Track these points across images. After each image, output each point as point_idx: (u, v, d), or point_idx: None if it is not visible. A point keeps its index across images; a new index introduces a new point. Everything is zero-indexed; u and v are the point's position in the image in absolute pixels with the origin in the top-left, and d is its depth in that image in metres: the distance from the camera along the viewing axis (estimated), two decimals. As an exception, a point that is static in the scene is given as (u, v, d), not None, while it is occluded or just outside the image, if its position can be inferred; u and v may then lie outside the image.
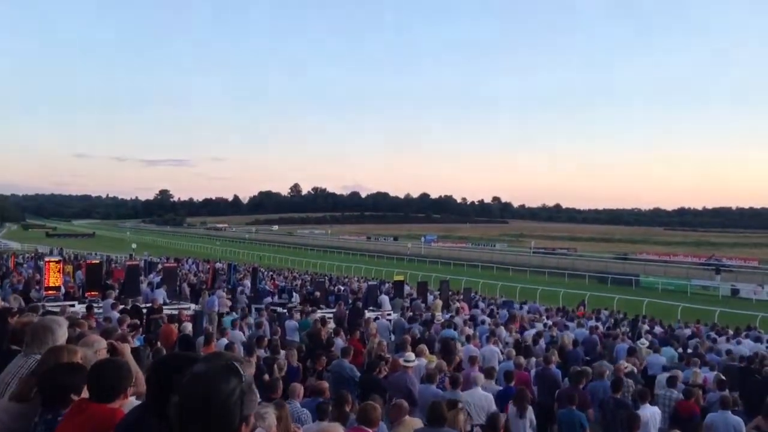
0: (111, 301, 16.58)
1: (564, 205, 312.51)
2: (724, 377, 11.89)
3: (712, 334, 21.69)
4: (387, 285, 33.31)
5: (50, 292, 19.38)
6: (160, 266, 33.55)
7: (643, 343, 16.22)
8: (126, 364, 3.46)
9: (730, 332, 23.22)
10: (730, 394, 10.15)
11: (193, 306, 21.16)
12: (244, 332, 14.72)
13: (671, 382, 10.74)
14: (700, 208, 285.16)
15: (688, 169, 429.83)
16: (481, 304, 27.68)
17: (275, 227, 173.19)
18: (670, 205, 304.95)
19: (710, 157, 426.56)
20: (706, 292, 50.62)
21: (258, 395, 1.95)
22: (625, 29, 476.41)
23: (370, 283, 31.64)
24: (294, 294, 27.34)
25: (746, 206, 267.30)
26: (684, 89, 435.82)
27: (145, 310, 16.70)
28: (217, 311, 19.09)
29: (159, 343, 11.74)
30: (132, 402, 3.31)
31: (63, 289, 21.12)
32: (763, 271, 63.27)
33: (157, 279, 26.16)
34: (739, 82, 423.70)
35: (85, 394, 3.30)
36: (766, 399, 9.69)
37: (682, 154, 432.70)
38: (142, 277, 25.58)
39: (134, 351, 7.24)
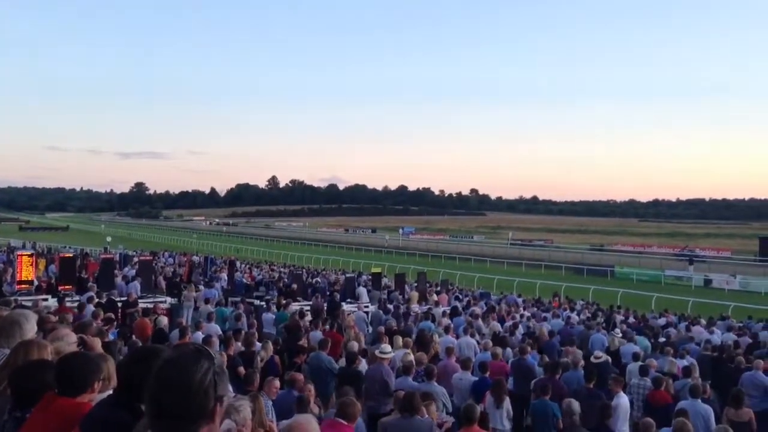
0: (90, 294, 16.43)
1: (541, 197, 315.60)
2: (690, 365, 12.06)
3: (687, 324, 22.03)
4: (365, 277, 33.31)
5: (23, 286, 19.13)
6: (135, 259, 33.20)
7: (617, 333, 16.41)
8: (94, 358, 3.42)
9: (703, 322, 23.57)
10: (701, 383, 10.31)
11: (168, 299, 20.99)
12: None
13: (643, 371, 10.88)
14: (674, 199, 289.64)
15: (662, 161, 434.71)
16: (459, 296, 27.81)
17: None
18: (644, 197, 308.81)
19: (683, 149, 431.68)
20: (679, 283, 51.26)
21: (228, 376, 1.98)
22: (608, 27, 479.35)
23: (347, 275, 31.61)
24: (271, 287, 27.24)
25: (719, 198, 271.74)
26: (659, 84, 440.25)
27: (120, 304, 16.53)
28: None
29: (134, 337, 11.65)
30: (102, 395, 3.27)
31: (36, 282, 20.87)
32: (736, 262, 64.25)
33: (132, 272, 25.90)
34: (718, 77, 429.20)
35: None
36: (733, 389, 9.86)
37: (656, 147, 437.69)
38: (117, 271, 25.30)
39: (106, 345, 7.19)
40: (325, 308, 19.10)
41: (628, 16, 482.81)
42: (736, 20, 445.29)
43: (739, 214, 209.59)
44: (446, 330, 14.69)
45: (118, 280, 22.76)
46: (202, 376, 1.81)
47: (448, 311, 20.53)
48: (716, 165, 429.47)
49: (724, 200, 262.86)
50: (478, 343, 13.93)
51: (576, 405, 8.07)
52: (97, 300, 15.85)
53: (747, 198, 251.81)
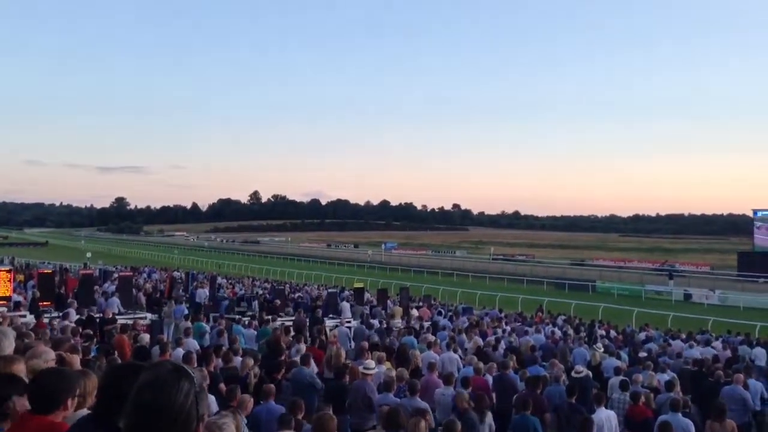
0: (70, 310, 16.30)
1: (523, 213, 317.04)
2: (671, 379, 12.15)
3: (668, 338, 22.23)
4: (347, 292, 33.26)
5: (0, 302, 18.89)
6: (115, 275, 32.92)
7: (598, 347, 16.50)
8: (68, 374, 3.37)
9: (683, 336, 23.82)
10: (681, 397, 10.38)
11: (149, 315, 20.82)
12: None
13: (624, 385, 10.94)
14: (653, 214, 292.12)
15: (642, 176, 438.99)
16: (442, 311, 27.83)
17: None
18: (624, 212, 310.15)
19: (663, 165, 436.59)
20: (659, 297, 51.64)
21: (207, 393, 1.96)
22: (582, 40, 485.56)
23: (329, 290, 31.54)
24: (253, 302, 27.12)
25: (698, 213, 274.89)
26: (638, 101, 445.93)
27: (98, 320, 16.37)
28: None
29: (116, 353, 11.51)
30: (80, 414, 3.23)
31: (15, 298, 20.64)
32: (715, 276, 64.91)
33: (112, 288, 25.67)
34: (696, 94, 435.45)
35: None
36: (715, 402, 9.95)
37: (636, 163, 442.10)
38: (96, 287, 25.07)
39: (86, 362, 7.11)
40: (308, 323, 19.05)
41: (608, 33, 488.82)
42: (722, 37, 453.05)
43: (717, 229, 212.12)
44: (429, 345, 14.68)
45: (98, 296, 22.56)
46: (183, 399, 1.76)
47: (431, 326, 20.54)
48: (695, 180, 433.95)
49: (703, 215, 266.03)
50: (461, 358, 13.93)
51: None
52: (77, 316, 15.70)
53: (725, 213, 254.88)
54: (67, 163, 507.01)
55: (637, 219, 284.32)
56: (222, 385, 9.30)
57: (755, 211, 68.66)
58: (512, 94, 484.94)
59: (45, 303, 19.03)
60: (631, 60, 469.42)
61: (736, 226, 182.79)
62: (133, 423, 1.76)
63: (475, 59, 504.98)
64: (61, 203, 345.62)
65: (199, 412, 1.82)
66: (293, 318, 20.57)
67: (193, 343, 13.21)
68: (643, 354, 17.55)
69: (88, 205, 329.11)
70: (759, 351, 19.06)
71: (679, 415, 9.09)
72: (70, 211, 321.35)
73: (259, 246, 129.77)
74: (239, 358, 11.43)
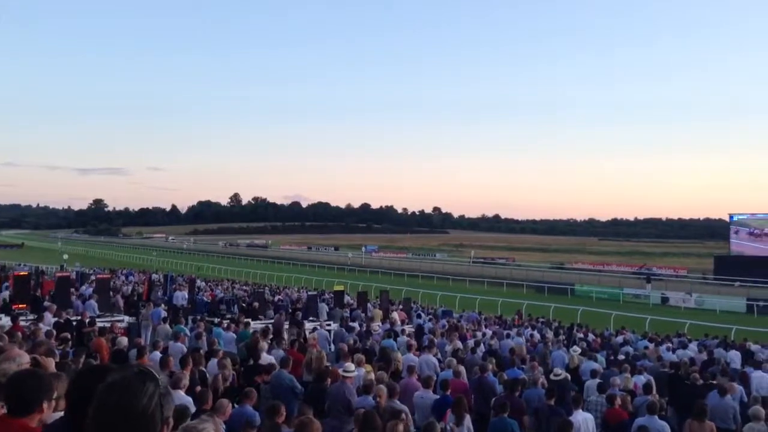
0: (46, 313, 16.11)
1: (503, 216, 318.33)
2: (648, 382, 12.25)
3: (656, 345, 22.46)
4: (327, 295, 33.20)
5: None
6: (92, 278, 32.56)
7: (576, 350, 16.61)
8: (44, 376, 3.33)
9: (659, 339, 24.06)
10: (658, 399, 10.47)
11: (126, 318, 20.62)
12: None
13: (601, 388, 11.02)
14: (632, 218, 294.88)
15: (621, 181, 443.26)
16: (422, 314, 27.87)
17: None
18: (603, 216, 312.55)
19: (641, 169, 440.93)
20: (637, 301, 52.17)
21: (173, 396, 1.95)
22: (562, 43, 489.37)
23: (309, 293, 31.47)
24: (233, 305, 26.99)
25: (676, 217, 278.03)
26: (616, 103, 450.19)
27: (75, 323, 16.18)
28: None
29: (98, 357, 11.39)
30: (56, 416, 3.19)
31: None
32: (692, 280, 65.67)
33: (89, 291, 25.38)
34: (673, 99, 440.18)
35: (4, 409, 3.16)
36: (696, 402, 10.06)
37: (615, 167, 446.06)
38: (73, 289, 24.78)
39: (61, 365, 7.02)
40: (287, 326, 18.98)
41: (589, 36, 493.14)
42: (699, 42, 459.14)
43: (694, 234, 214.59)
44: (409, 348, 14.68)
45: (75, 298, 22.29)
46: (147, 400, 1.77)
47: (408, 329, 20.56)
48: (673, 185, 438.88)
49: (680, 220, 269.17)
50: (440, 361, 13.95)
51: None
52: (55, 319, 15.51)
53: (702, 218, 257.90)
54: (44, 164, 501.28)
55: (615, 223, 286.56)
56: (197, 388, 9.24)
57: (731, 216, 69.58)
58: (492, 97, 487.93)
59: (20, 306, 18.73)
60: (610, 64, 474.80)
61: (713, 230, 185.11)
62: (97, 424, 1.77)
63: (456, 62, 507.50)
64: (38, 205, 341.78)
65: (163, 414, 1.82)
66: (272, 321, 20.49)
67: (179, 347, 13.08)
68: (620, 357, 17.71)
69: (66, 207, 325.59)
70: (734, 354, 19.31)
71: (656, 417, 9.18)
72: (47, 213, 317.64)
73: (239, 248, 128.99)
74: (214, 360, 11.36)
